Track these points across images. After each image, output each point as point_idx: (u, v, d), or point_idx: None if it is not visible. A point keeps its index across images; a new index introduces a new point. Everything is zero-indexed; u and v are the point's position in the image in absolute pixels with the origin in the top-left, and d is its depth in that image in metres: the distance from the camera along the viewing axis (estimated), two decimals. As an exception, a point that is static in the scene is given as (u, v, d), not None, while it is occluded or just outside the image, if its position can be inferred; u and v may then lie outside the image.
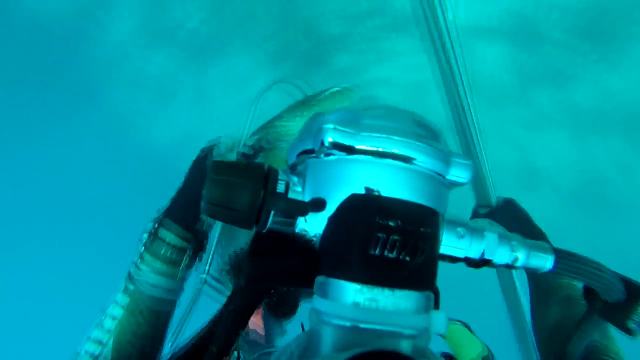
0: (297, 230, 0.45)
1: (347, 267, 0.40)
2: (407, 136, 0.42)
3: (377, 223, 0.39)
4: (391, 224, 0.39)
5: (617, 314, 0.55)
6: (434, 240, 0.42)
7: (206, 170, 0.65)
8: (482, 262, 0.48)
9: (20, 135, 8.96)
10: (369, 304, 0.38)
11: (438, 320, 0.41)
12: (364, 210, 0.40)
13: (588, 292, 0.58)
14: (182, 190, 0.67)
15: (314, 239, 0.44)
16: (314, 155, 0.44)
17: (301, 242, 0.46)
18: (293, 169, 0.48)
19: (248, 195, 0.42)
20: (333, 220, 0.42)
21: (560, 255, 0.50)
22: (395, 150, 0.41)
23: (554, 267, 0.49)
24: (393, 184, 0.41)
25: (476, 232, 0.47)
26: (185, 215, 0.64)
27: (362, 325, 0.38)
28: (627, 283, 0.55)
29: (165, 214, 0.65)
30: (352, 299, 0.38)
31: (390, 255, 0.39)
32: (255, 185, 0.43)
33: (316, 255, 0.44)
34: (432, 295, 0.42)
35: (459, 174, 0.45)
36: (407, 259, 0.39)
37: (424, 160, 0.42)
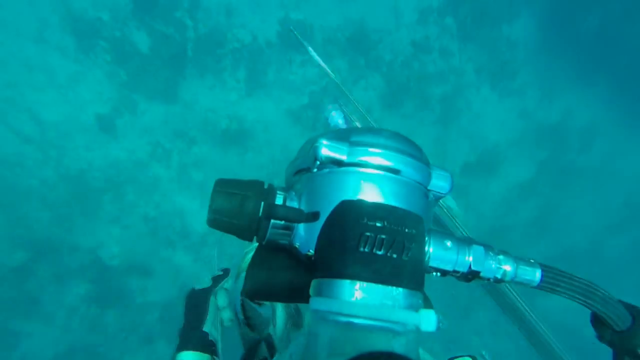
0: (295, 242, 0.48)
1: (339, 265, 0.43)
2: (390, 150, 0.47)
3: (365, 223, 0.43)
4: (378, 224, 0.43)
5: (626, 341, 0.53)
6: (420, 241, 0.46)
7: (197, 302, 0.80)
8: (470, 275, 0.50)
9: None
10: (361, 299, 0.41)
11: (428, 318, 0.43)
12: (353, 213, 0.44)
13: (596, 322, 0.56)
14: (185, 325, 0.78)
15: (310, 252, 0.48)
16: (308, 171, 0.49)
17: (299, 256, 0.49)
18: (290, 187, 0.53)
19: (249, 205, 0.47)
20: (326, 225, 0.46)
21: (546, 269, 0.51)
22: (380, 162, 0.46)
23: (542, 280, 0.51)
24: (379, 192, 0.46)
25: (463, 245, 0.49)
26: (197, 341, 0.74)
27: (355, 321, 0.41)
28: (628, 307, 0.53)
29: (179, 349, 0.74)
30: (346, 294, 0.42)
31: (379, 252, 0.42)
32: (256, 196, 0.47)
33: (311, 269, 0.47)
34: (421, 295, 0.45)
35: (439, 184, 0.50)
36: (394, 256, 0.43)
37: (406, 170, 0.47)
